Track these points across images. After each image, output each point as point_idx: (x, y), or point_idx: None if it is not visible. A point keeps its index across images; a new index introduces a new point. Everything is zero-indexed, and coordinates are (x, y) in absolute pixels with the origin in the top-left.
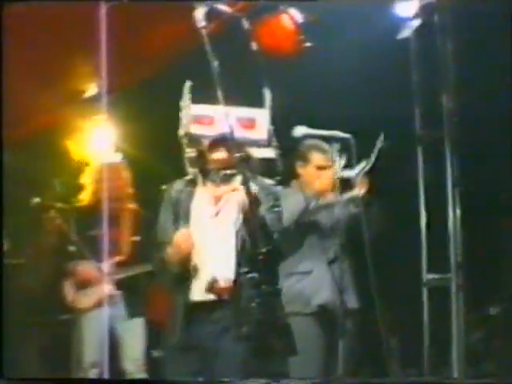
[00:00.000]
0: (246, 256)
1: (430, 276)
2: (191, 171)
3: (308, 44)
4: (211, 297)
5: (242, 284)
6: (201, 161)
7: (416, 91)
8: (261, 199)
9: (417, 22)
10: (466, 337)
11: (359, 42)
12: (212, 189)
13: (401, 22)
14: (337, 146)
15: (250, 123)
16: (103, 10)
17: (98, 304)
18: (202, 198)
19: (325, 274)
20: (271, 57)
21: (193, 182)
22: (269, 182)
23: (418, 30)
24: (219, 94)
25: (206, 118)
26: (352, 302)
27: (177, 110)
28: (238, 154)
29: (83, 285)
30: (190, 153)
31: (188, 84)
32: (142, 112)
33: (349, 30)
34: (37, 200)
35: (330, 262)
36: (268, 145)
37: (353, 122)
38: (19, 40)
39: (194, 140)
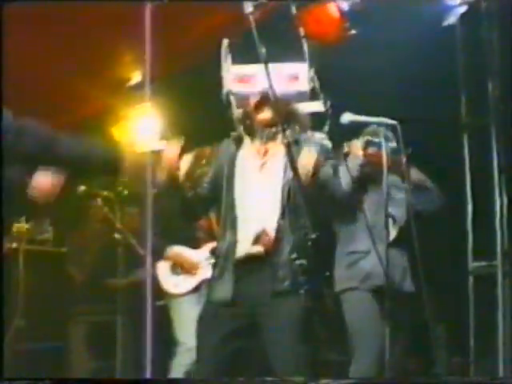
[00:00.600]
0: (291, 206)
1: (476, 264)
2: (237, 129)
3: (353, 31)
4: (259, 249)
5: (286, 234)
6: (246, 120)
7: (462, 78)
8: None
9: (463, 9)
10: None
11: (405, 29)
12: (258, 146)
13: (447, 9)
14: (383, 132)
15: (293, 77)
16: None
17: (195, 289)
18: (248, 152)
19: (383, 255)
20: (316, 44)
21: (239, 140)
22: (319, 135)
23: (464, 17)
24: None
25: (249, 77)
26: (408, 285)
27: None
28: (285, 111)
29: (181, 270)
30: (235, 114)
31: (226, 42)
32: (188, 99)
33: (394, 17)
34: (83, 188)
35: (389, 245)
36: (314, 97)
37: (399, 109)
38: (65, 30)
39: (239, 99)
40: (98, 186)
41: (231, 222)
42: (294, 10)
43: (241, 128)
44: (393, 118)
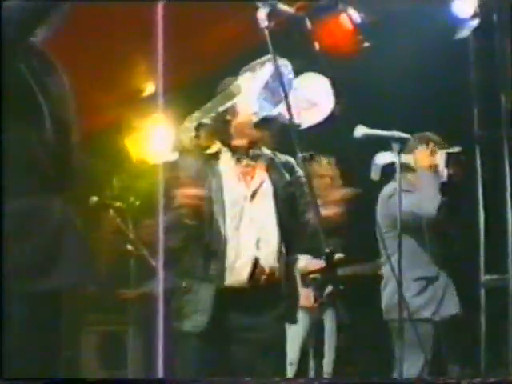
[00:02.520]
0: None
1: (488, 277)
2: (215, 144)
3: (367, 44)
4: (252, 282)
5: (289, 270)
6: (227, 135)
7: (474, 91)
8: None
9: (475, 22)
10: None
11: (417, 41)
12: (239, 167)
13: (459, 22)
14: (396, 146)
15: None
16: (160, 9)
17: None
18: (231, 175)
19: (449, 280)
20: (330, 57)
21: (215, 157)
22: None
23: (477, 30)
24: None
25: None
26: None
27: None
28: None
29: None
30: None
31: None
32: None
33: (407, 30)
34: (95, 199)
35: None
36: None
37: (412, 122)
38: (79, 41)
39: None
40: (110, 197)
41: (220, 250)
42: (308, 24)
43: (218, 143)
44: (406, 132)
